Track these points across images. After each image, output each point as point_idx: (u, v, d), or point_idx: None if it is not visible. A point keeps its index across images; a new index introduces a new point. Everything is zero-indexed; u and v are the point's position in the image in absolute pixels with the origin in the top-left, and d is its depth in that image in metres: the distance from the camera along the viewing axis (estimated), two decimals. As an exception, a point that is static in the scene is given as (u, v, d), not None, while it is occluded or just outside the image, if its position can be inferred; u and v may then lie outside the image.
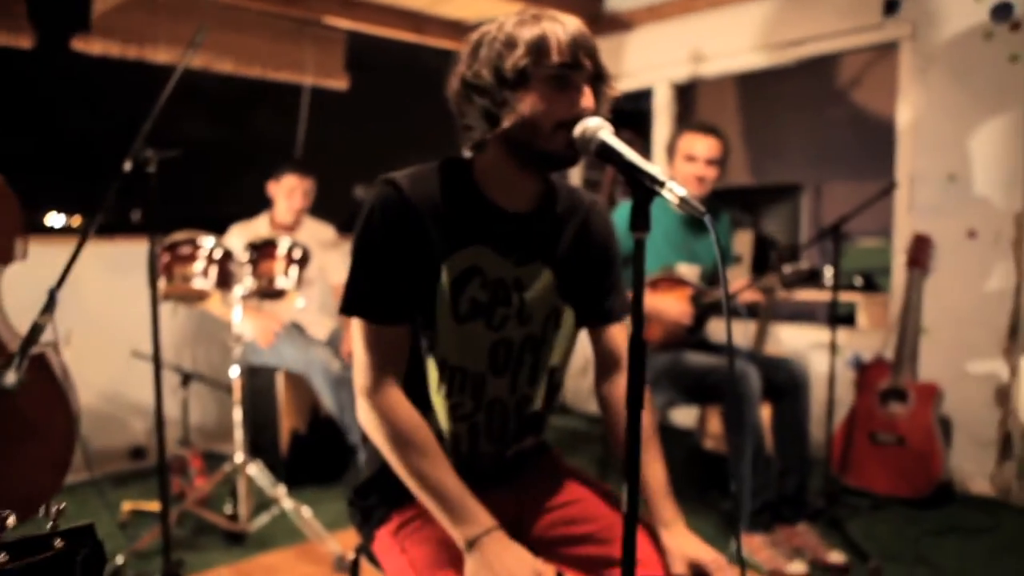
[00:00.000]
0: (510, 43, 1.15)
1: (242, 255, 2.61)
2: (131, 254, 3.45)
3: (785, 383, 2.61)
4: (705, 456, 3.42)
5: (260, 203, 3.44)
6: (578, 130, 1.11)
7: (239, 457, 2.64)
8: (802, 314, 4.40)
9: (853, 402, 3.22)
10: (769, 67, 3.78)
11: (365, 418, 1.24)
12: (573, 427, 4.32)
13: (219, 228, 3.82)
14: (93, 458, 3.53)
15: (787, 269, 2.56)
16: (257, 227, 3.36)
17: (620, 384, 1.42)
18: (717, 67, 3.94)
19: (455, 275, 1.23)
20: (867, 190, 5.05)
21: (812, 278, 2.57)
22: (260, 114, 4.21)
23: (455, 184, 1.24)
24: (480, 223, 1.25)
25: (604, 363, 1.44)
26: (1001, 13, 3.01)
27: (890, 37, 3.30)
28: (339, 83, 4.41)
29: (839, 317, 3.53)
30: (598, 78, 1.19)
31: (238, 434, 2.65)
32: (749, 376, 2.47)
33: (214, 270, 2.56)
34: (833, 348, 2.77)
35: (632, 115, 6.16)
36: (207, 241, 2.55)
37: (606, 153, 1.07)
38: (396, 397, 1.23)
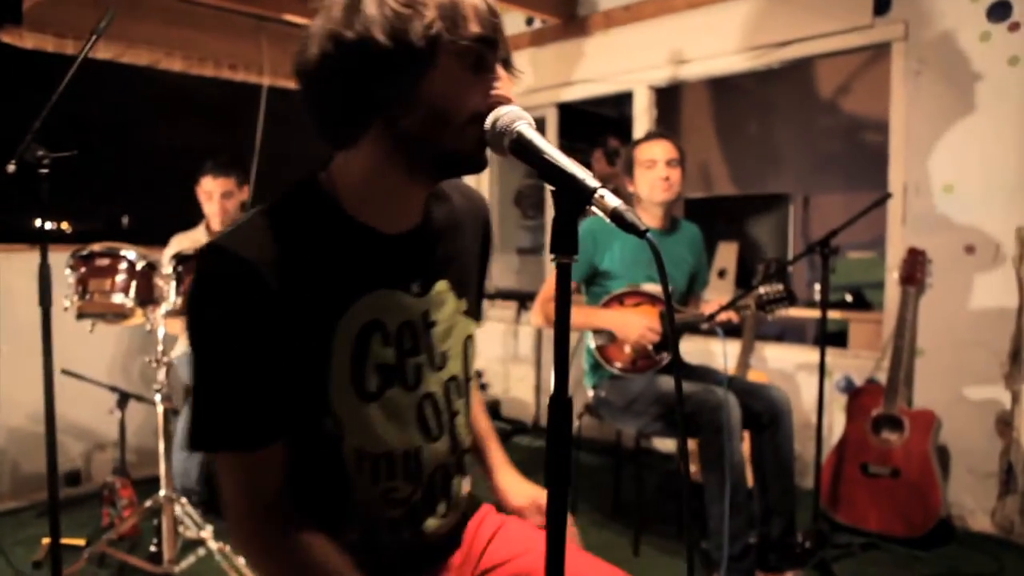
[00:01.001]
0: (411, 1, 0.85)
1: (167, 268, 2.35)
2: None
3: (765, 412, 2.38)
4: (691, 487, 3.16)
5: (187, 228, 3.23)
6: (489, 120, 0.87)
7: (163, 491, 2.37)
8: (791, 332, 4.17)
9: (844, 429, 2.98)
10: (752, 70, 3.56)
11: None
12: (540, 447, 4.07)
13: (165, 239, 3.58)
14: (24, 484, 3.29)
15: (763, 289, 2.35)
16: (197, 237, 3.10)
17: (476, 406, 1.24)
18: (698, 70, 3.72)
19: (349, 345, 0.94)
20: (858, 201, 4.82)
21: (789, 299, 2.35)
22: (212, 116, 3.95)
23: (313, 222, 0.93)
24: (363, 262, 0.95)
25: None
26: (998, 13, 2.80)
27: (881, 38, 3.08)
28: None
29: (829, 336, 3.31)
30: (507, 62, 0.94)
31: (163, 467, 2.38)
32: (727, 405, 2.23)
33: (136, 285, 2.29)
34: (822, 370, 2.53)
35: (616, 122, 5.95)
36: (129, 253, 2.29)
37: (523, 151, 0.82)
38: (303, 541, 0.92)
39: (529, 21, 4.36)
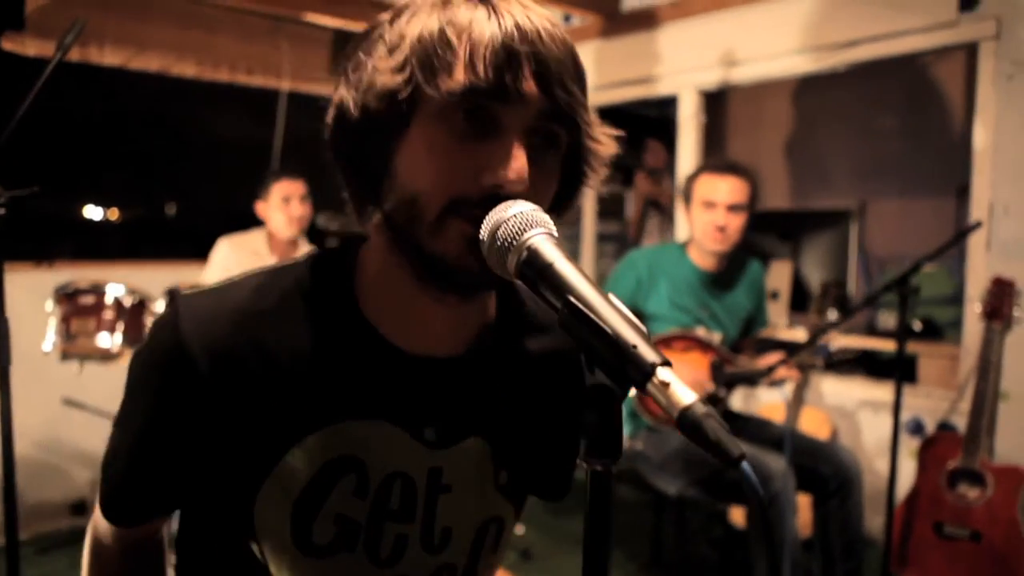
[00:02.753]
0: (394, 45, 0.64)
1: (157, 304, 2.13)
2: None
3: (833, 477, 2.07)
4: (731, 534, 2.86)
5: (232, 223, 2.99)
6: (485, 228, 0.58)
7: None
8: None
9: (914, 481, 2.65)
10: (815, 72, 3.21)
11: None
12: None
13: (176, 250, 3.39)
14: (29, 514, 3.14)
15: (834, 348, 2.04)
16: (253, 243, 2.88)
17: None
18: (753, 72, 3.37)
19: (305, 479, 0.70)
20: (919, 209, 4.47)
21: (861, 363, 2.04)
22: (228, 124, 3.74)
23: (316, 308, 0.71)
24: (365, 378, 0.71)
25: None
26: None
27: (968, 37, 2.71)
28: (323, 88, 3.92)
29: (884, 366, 2.98)
30: (560, 121, 0.64)
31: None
32: (778, 476, 1.93)
33: (123, 323, 2.08)
34: (896, 420, 2.21)
35: (657, 122, 5.61)
36: (115, 288, 2.08)
37: (538, 280, 0.54)
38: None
39: (567, 18, 4.05)
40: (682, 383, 0.46)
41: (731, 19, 3.38)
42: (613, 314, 0.50)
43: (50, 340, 2.07)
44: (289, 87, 3.76)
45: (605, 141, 0.69)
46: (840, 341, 3.23)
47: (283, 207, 2.85)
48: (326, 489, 0.70)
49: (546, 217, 0.57)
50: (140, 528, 0.79)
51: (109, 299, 2.07)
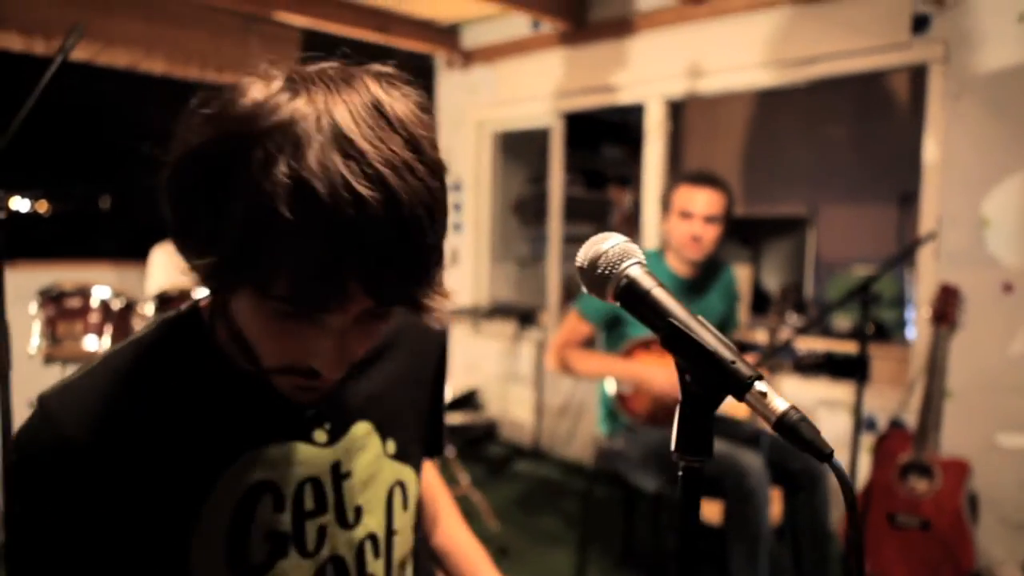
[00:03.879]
0: (225, 179, 0.59)
1: (148, 307, 2.12)
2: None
3: (803, 473, 2.20)
4: (700, 528, 2.99)
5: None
6: (583, 255, 0.65)
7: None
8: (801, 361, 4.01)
9: (869, 475, 2.82)
10: (777, 86, 3.37)
11: None
12: (545, 475, 3.88)
13: (142, 252, 3.33)
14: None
15: (802, 352, 2.16)
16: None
17: (450, 529, 1.08)
18: (717, 83, 3.51)
19: (227, 519, 0.74)
20: (867, 214, 4.71)
21: (828, 367, 2.17)
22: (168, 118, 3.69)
23: (184, 367, 0.74)
24: (245, 415, 0.75)
25: (427, 508, 1.05)
26: (1046, 36, 2.63)
27: (919, 59, 2.89)
28: (292, 87, 3.90)
29: (844, 367, 3.15)
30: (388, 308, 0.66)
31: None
32: (755, 473, 2.05)
33: (111, 327, 2.07)
34: (858, 416, 2.35)
35: (619, 128, 5.74)
36: (102, 291, 2.06)
37: (638, 306, 0.62)
38: None
39: (536, 25, 4.13)
40: (776, 393, 0.54)
41: (697, 32, 3.51)
42: (709, 335, 0.57)
43: (34, 343, 2.03)
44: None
45: (442, 315, 0.68)
46: (799, 343, 3.40)
47: None
48: (249, 517, 0.75)
49: (636, 248, 0.65)
50: None
51: (95, 302, 2.05)
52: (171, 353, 0.74)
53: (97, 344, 2.03)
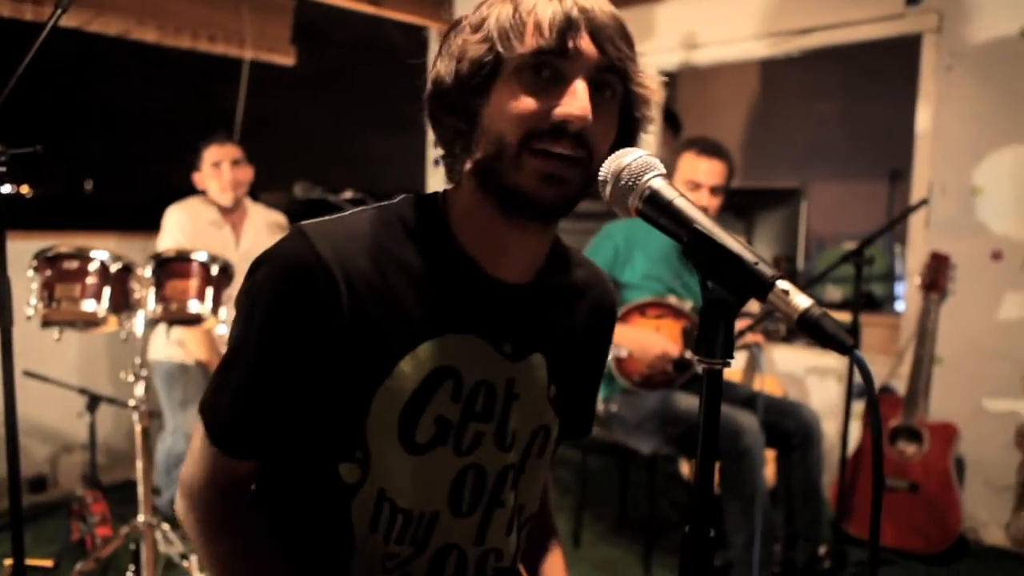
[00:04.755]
0: (477, 26, 0.79)
1: (146, 270, 2.11)
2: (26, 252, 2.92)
3: (796, 433, 2.24)
4: (689, 489, 3.03)
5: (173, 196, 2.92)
6: (607, 167, 0.68)
7: (142, 517, 2.16)
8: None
9: (860, 439, 2.87)
10: (771, 57, 3.38)
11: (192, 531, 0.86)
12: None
13: (138, 222, 3.30)
14: (-16, 490, 3.05)
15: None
16: (206, 213, 2.82)
17: (552, 565, 1.06)
18: (712, 55, 3.52)
19: (414, 384, 0.80)
20: (858, 191, 4.76)
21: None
22: (189, 93, 3.65)
23: (419, 239, 0.82)
24: (460, 299, 0.82)
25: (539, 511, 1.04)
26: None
27: (912, 29, 2.91)
28: (284, 58, 3.86)
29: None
30: (613, 72, 0.77)
31: (141, 490, 2.17)
32: (750, 432, 2.08)
33: (109, 289, 2.06)
34: (850, 383, 2.38)
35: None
36: (100, 254, 2.05)
37: (661, 215, 0.64)
38: (246, 536, 0.85)
39: (528, -4, 4.11)
40: (798, 290, 0.56)
41: (691, 3, 3.51)
42: (731, 239, 0.59)
43: (32, 306, 2.02)
44: (251, 56, 3.70)
45: (652, 86, 0.81)
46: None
47: (214, 173, 2.79)
48: (429, 394, 0.81)
49: (657, 161, 0.67)
50: (244, 465, 0.84)
51: (93, 264, 2.03)
52: (413, 225, 0.82)
53: (95, 307, 2.02)
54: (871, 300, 3.59)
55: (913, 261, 2.99)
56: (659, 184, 0.64)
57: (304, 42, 3.90)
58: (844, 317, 3.06)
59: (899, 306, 3.70)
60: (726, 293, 0.58)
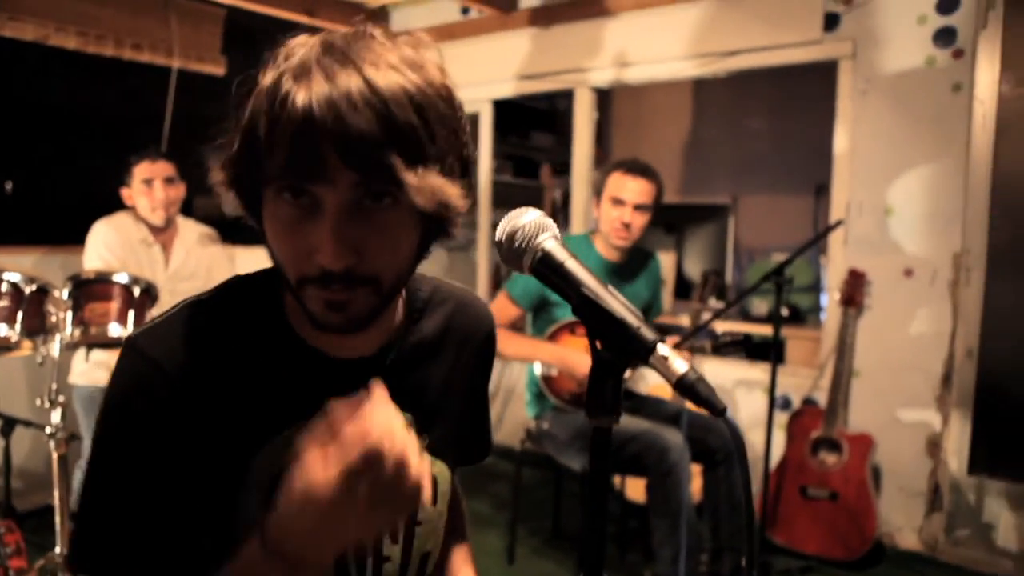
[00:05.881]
0: (239, 117, 0.70)
1: (64, 292, 2.04)
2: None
3: (720, 449, 2.31)
4: (625, 507, 3.08)
5: (99, 207, 2.82)
6: (502, 229, 0.69)
7: (59, 549, 2.08)
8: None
9: (784, 451, 2.98)
10: (698, 77, 3.48)
11: None
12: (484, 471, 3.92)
13: (62, 236, 3.17)
14: None
15: (721, 330, 2.27)
16: (135, 230, 2.72)
17: (457, 566, 1.05)
18: (642, 73, 3.60)
19: (268, 483, 0.76)
20: (785, 204, 4.92)
21: (746, 344, 2.28)
22: (112, 103, 3.53)
23: (256, 332, 0.78)
24: (306, 386, 0.78)
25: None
26: (943, 38, 2.80)
27: (829, 55, 3.04)
28: (215, 68, 3.79)
29: (761, 349, 3.30)
30: (380, 188, 0.67)
31: (58, 519, 2.09)
32: (676, 449, 2.14)
33: (22, 313, 1.98)
34: (772, 398, 2.47)
35: (546, 114, 5.80)
36: (11, 275, 1.97)
37: (551, 276, 0.66)
38: None
39: (465, 11, 4.13)
40: (677, 356, 0.58)
41: (624, 22, 3.59)
42: (617, 303, 0.61)
43: (-63, 330, 1.93)
44: (179, 65, 3.61)
45: (436, 194, 0.67)
46: (719, 326, 3.54)
47: (145, 190, 2.69)
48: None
49: (550, 222, 0.68)
50: None
51: (4, 286, 1.96)
52: (240, 313, 0.78)
53: (7, 331, 1.94)
54: (796, 313, 3.73)
55: (833, 277, 3.11)
56: (551, 246, 0.66)
57: (235, 51, 3.83)
58: (769, 331, 3.18)
59: (824, 316, 3.85)
60: (611, 354, 0.61)
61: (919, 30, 2.85)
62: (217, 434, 0.75)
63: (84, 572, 0.74)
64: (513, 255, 0.67)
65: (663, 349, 0.58)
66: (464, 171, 0.73)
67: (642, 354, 0.59)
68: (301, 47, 0.68)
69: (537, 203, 5.36)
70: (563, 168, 4.97)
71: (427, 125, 0.66)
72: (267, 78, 0.67)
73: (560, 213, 5.08)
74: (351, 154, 0.63)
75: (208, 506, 0.76)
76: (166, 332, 0.76)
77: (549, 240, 0.66)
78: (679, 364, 0.57)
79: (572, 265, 0.64)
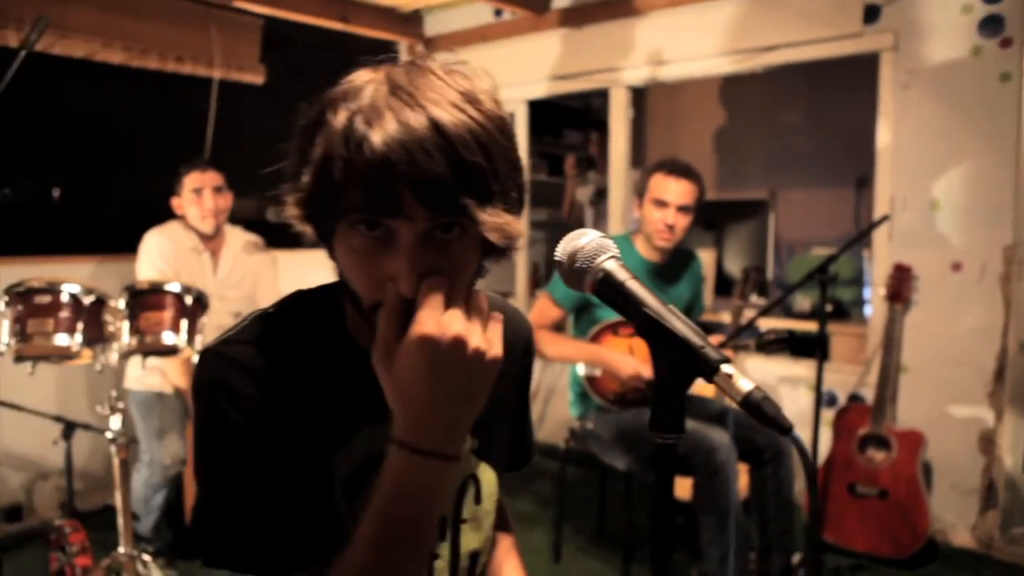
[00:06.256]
0: (309, 157, 0.71)
1: (120, 302, 2.11)
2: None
3: (768, 447, 2.29)
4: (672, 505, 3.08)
5: (151, 217, 2.90)
6: (562, 250, 0.71)
7: (123, 548, 2.16)
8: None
9: (830, 448, 2.94)
10: (736, 73, 3.45)
11: None
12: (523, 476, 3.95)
13: (115, 245, 3.26)
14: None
15: (764, 327, 2.25)
16: (186, 239, 2.80)
17: (502, 556, 1.07)
18: (678, 71, 3.58)
19: (346, 477, 0.82)
20: (825, 197, 4.85)
21: (790, 342, 2.26)
22: (157, 114, 3.62)
23: (314, 338, 0.83)
24: (364, 391, 0.81)
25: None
26: (990, 27, 2.74)
27: (870, 47, 2.99)
28: (254, 77, 3.86)
29: (806, 345, 3.26)
30: (452, 221, 0.70)
31: (121, 520, 2.17)
32: (723, 449, 2.13)
33: (82, 323, 2.06)
34: (819, 392, 2.44)
35: (580, 112, 5.79)
36: (72, 287, 2.05)
37: (613, 296, 0.67)
38: None
39: (498, 13, 4.15)
40: (741, 374, 0.59)
41: (658, 20, 3.57)
42: (680, 323, 0.63)
43: (4, 343, 2.02)
44: (220, 75, 3.70)
45: (507, 229, 0.71)
46: (761, 323, 3.51)
47: (195, 200, 2.77)
48: (364, 481, 0.81)
49: (610, 242, 0.70)
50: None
51: (66, 298, 2.03)
52: (305, 324, 0.82)
53: (69, 341, 2.02)
54: (839, 309, 3.67)
55: (878, 272, 3.06)
56: (612, 266, 0.68)
57: (273, 60, 3.90)
58: (813, 327, 3.13)
59: (867, 311, 3.79)
60: (675, 373, 0.62)
61: (964, 19, 2.78)
62: (297, 432, 0.79)
63: (204, 556, 0.78)
64: (574, 275, 0.69)
65: (728, 368, 0.59)
66: (521, 201, 0.76)
67: (707, 373, 0.60)
68: (368, 84, 0.71)
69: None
70: (590, 162, 4.95)
71: (491, 163, 0.69)
72: (339, 118, 0.69)
73: (579, 208, 5.05)
74: (425, 194, 0.67)
75: (296, 500, 0.79)
76: (241, 339, 0.80)
77: (609, 261, 0.68)
78: (744, 383, 0.58)
79: (633, 285, 0.65)
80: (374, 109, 0.67)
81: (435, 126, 0.66)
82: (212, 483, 0.80)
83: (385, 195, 0.67)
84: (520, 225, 0.73)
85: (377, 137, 0.66)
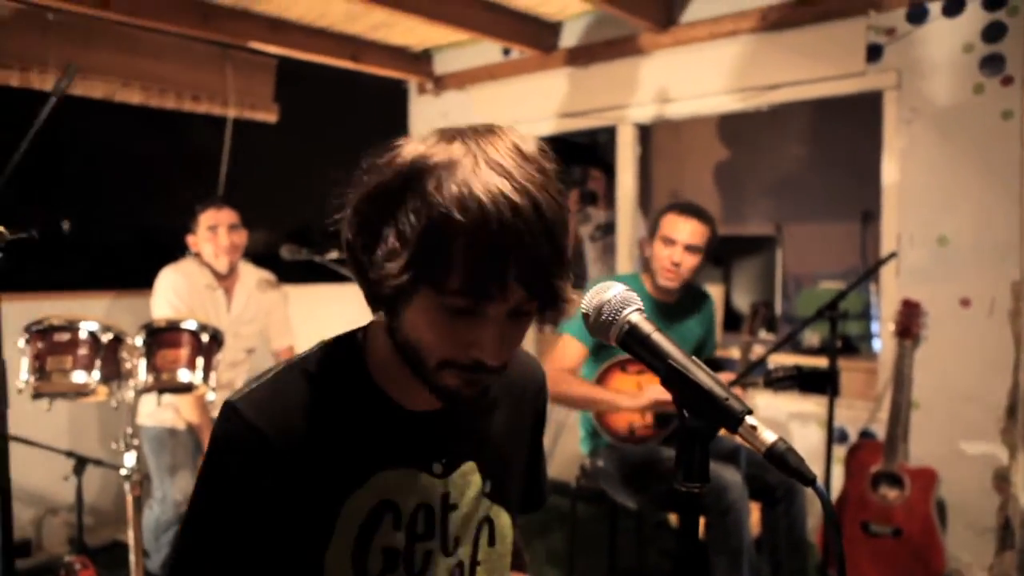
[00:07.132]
0: (403, 236, 0.74)
1: (137, 339, 2.14)
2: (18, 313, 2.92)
3: (780, 486, 2.29)
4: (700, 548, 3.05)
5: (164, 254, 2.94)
6: (588, 302, 0.73)
7: (133, 586, 2.15)
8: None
9: (842, 486, 2.92)
10: (741, 111, 3.50)
11: None
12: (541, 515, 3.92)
13: (131, 280, 3.30)
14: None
15: (772, 365, 2.26)
16: (200, 276, 2.83)
17: None
18: (685, 109, 3.63)
19: (356, 526, 0.85)
20: (832, 231, 4.88)
21: (799, 379, 2.27)
22: (174, 153, 3.69)
23: (339, 388, 0.87)
24: (383, 438, 0.86)
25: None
26: (991, 66, 2.78)
27: (874, 86, 3.04)
28: (267, 115, 3.94)
29: (815, 380, 3.26)
30: (536, 300, 0.75)
31: (132, 559, 2.16)
32: (735, 488, 2.13)
33: (100, 360, 2.08)
34: (830, 428, 2.44)
35: (588, 149, 5.85)
36: (90, 325, 2.08)
37: (638, 348, 0.69)
38: None
39: (506, 52, 4.23)
40: (763, 425, 0.61)
41: (664, 59, 3.63)
42: (704, 375, 0.64)
43: (23, 378, 2.04)
44: (234, 114, 3.77)
45: (573, 301, 0.77)
46: (770, 359, 3.51)
47: (211, 237, 2.82)
48: (373, 529, 0.86)
49: (634, 295, 0.72)
50: None
51: (83, 334, 2.06)
52: (329, 376, 0.86)
53: (86, 378, 2.04)
54: (847, 344, 3.67)
55: (886, 308, 3.07)
56: (637, 319, 0.70)
57: (286, 98, 3.98)
58: (822, 362, 3.13)
59: (876, 346, 3.78)
60: (700, 423, 0.64)
61: (965, 58, 2.83)
62: (310, 486, 0.82)
63: None
64: (600, 327, 0.71)
65: (751, 420, 0.61)
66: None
67: (731, 425, 0.62)
68: (463, 157, 0.72)
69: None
70: (590, 197, 4.98)
71: (566, 238, 0.75)
72: (445, 193, 0.70)
73: (580, 243, 5.06)
74: (528, 277, 0.71)
75: (299, 554, 0.83)
76: (262, 397, 0.84)
77: (634, 314, 0.70)
78: (768, 434, 0.60)
79: (658, 338, 0.68)
80: (483, 186, 0.70)
81: (536, 208, 0.70)
82: (194, 544, 0.83)
83: (491, 277, 0.70)
84: (577, 297, 0.78)
85: (492, 220, 0.68)
